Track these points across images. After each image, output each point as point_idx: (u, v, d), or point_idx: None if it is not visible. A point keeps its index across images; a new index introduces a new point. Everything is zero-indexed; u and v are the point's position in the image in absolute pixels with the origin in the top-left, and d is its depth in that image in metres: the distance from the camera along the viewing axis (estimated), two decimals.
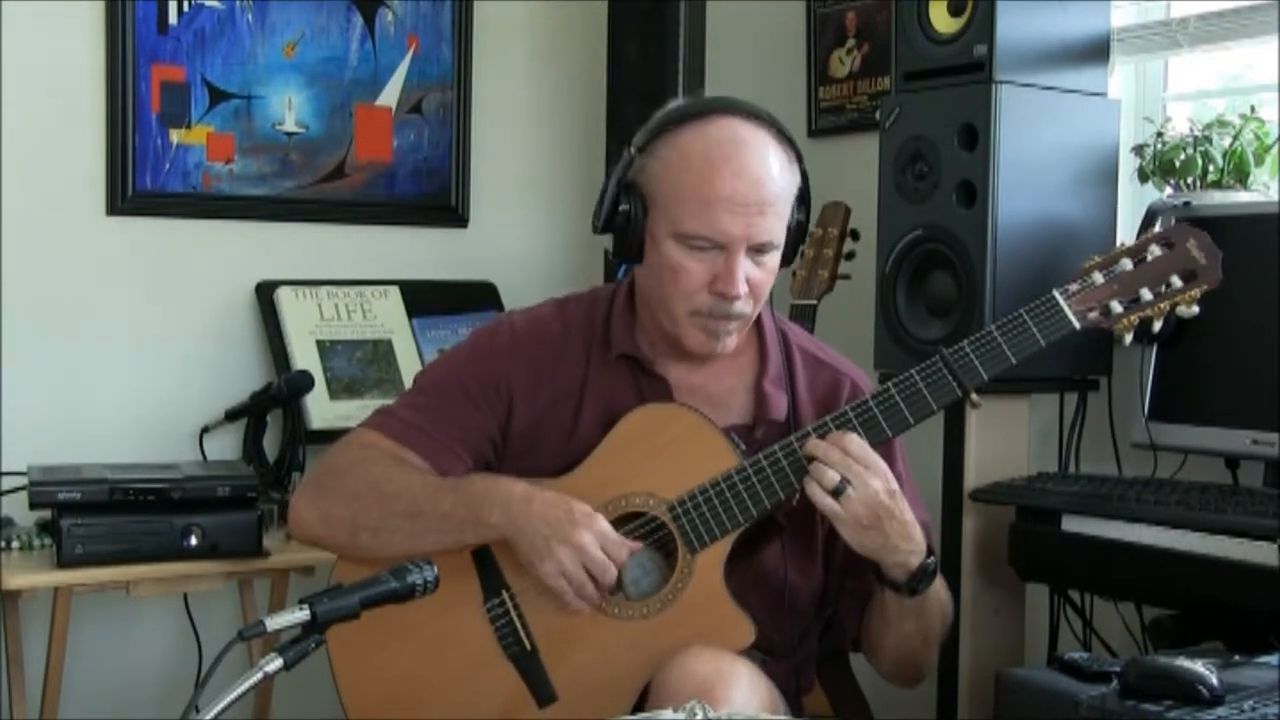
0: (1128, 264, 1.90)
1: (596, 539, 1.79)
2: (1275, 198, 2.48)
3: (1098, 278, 1.89)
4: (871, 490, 1.79)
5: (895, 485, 1.82)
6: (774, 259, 1.88)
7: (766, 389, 1.94)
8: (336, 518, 1.92)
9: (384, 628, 1.82)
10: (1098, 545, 2.19)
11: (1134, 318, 1.90)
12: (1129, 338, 1.93)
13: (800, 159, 1.90)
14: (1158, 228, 2.25)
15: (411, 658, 1.90)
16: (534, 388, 1.94)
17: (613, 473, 1.88)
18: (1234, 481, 2.36)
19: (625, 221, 1.88)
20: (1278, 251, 2.24)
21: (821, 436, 1.84)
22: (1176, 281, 1.90)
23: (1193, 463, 2.43)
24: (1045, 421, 2.65)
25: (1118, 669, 1.79)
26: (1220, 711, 1.62)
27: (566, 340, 1.96)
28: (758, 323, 1.97)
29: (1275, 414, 2.22)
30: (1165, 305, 1.90)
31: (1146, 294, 1.89)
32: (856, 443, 1.82)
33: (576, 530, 1.79)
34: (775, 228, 1.85)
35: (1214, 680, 1.67)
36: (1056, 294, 1.89)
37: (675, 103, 1.92)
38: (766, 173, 1.83)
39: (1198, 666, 1.69)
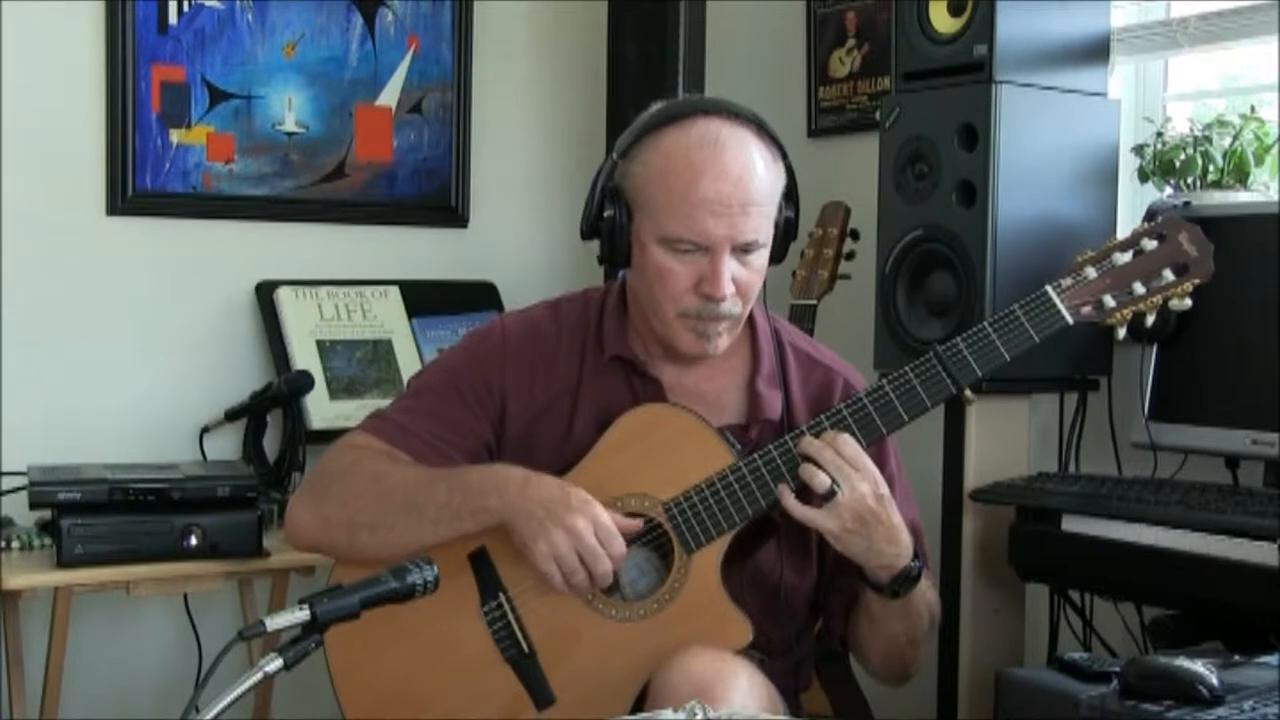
0: (1120, 258, 1.90)
1: (591, 525, 1.78)
2: (1275, 198, 2.47)
3: (1090, 272, 1.89)
4: (859, 493, 1.79)
5: (884, 489, 1.82)
6: (761, 258, 1.87)
7: (760, 388, 1.94)
8: (335, 520, 1.91)
9: (381, 633, 1.82)
10: (1098, 545, 2.19)
11: (1127, 312, 1.89)
12: (1123, 332, 1.93)
13: (785, 155, 1.89)
14: None
15: (409, 662, 1.89)
16: (528, 390, 1.94)
17: (608, 474, 1.87)
18: (1234, 481, 2.36)
19: (611, 227, 1.88)
20: (1278, 251, 2.24)
21: (816, 435, 1.83)
22: (1169, 275, 1.89)
23: (1193, 463, 2.43)
24: (1045, 421, 2.65)
25: (1118, 669, 1.79)
26: (1220, 711, 1.61)
27: (560, 342, 1.96)
28: (751, 322, 1.96)
29: (1275, 414, 2.22)
30: (1158, 299, 1.90)
31: (1139, 287, 1.89)
32: (850, 444, 1.82)
33: (571, 514, 1.78)
34: (760, 227, 1.84)
35: (1214, 680, 1.67)
36: (1049, 289, 1.88)
37: (657, 105, 1.91)
38: (749, 172, 1.82)
39: (1198, 666, 1.69)
